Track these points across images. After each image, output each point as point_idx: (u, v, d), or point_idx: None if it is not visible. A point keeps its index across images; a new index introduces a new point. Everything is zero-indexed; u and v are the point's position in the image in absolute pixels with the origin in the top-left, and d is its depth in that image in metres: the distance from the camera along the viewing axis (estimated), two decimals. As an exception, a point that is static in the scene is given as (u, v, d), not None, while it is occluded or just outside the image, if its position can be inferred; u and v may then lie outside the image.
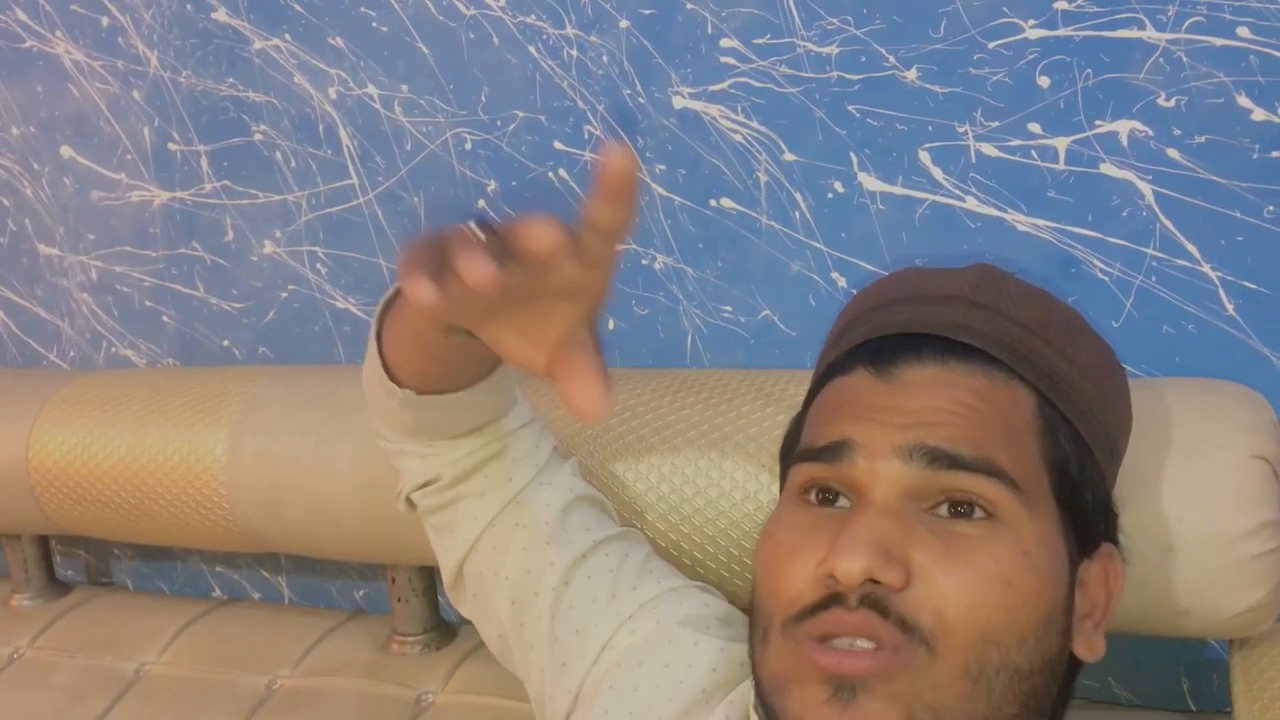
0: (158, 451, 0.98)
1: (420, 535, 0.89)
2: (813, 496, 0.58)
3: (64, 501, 1.04)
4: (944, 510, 0.55)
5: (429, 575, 0.99)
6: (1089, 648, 0.58)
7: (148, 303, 1.19)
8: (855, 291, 0.66)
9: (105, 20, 1.13)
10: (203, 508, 0.96)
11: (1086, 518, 0.58)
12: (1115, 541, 0.61)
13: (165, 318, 1.19)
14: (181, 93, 1.12)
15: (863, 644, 0.52)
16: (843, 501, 0.57)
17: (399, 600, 0.98)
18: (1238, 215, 0.78)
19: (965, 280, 0.60)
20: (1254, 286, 0.78)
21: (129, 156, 1.16)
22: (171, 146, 1.14)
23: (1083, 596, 0.58)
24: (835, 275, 0.89)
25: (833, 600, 0.53)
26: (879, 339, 0.60)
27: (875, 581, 0.52)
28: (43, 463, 1.03)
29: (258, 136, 1.10)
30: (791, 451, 0.62)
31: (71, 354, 1.25)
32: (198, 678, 0.99)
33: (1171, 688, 0.85)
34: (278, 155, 1.09)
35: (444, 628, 1.00)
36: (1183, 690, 0.85)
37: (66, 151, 1.20)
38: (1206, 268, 0.79)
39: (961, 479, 0.54)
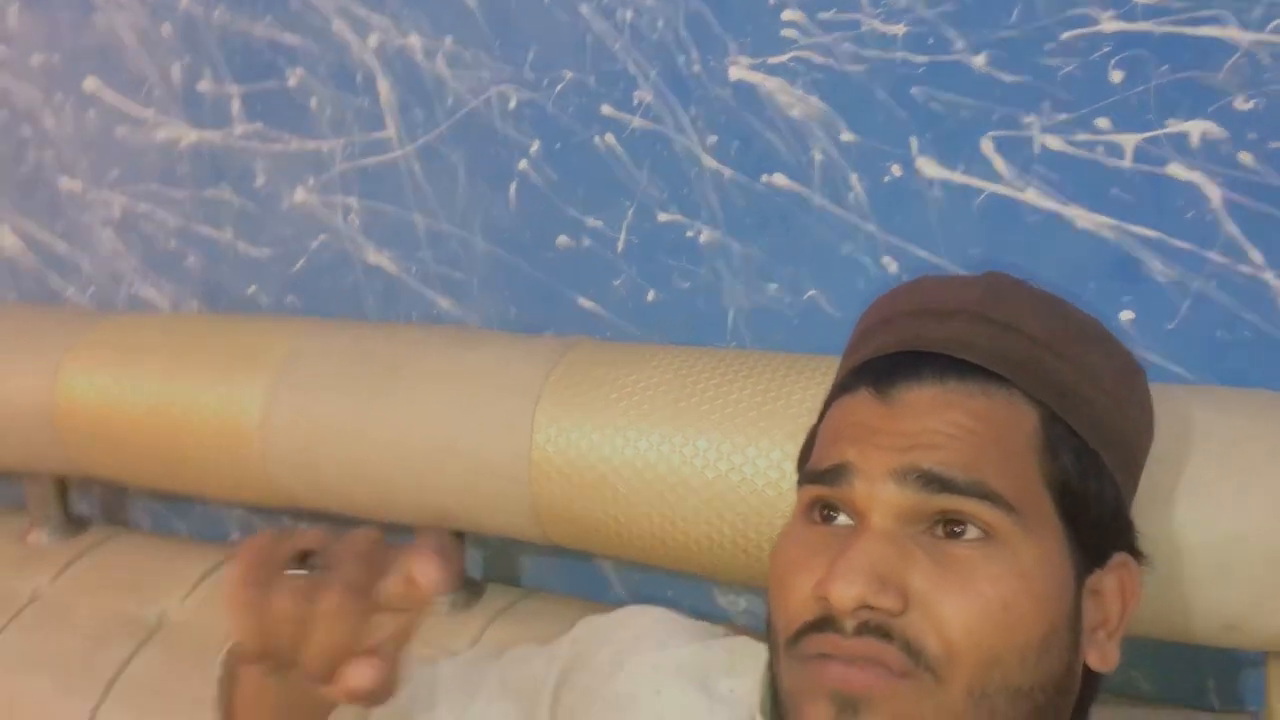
0: (191, 401, 0.96)
1: (459, 500, 0.89)
2: (816, 514, 0.59)
3: (90, 446, 1.03)
4: (940, 531, 0.55)
5: (460, 538, 0.99)
6: (1101, 658, 0.58)
7: (172, 243, 1.17)
8: (878, 296, 0.66)
9: (136, -50, 1.10)
10: (235, 462, 0.95)
11: (1095, 530, 0.58)
12: (1132, 550, 0.61)
13: (190, 259, 1.17)
14: (214, 30, 1.09)
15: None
16: (845, 519, 0.58)
17: (428, 560, 0.98)
18: (1305, 224, 0.77)
19: (973, 292, 0.60)
20: (1314, 296, 0.77)
21: (156, 92, 1.13)
22: (202, 86, 1.11)
23: (1096, 606, 0.58)
24: (886, 260, 0.88)
25: (828, 623, 0.54)
26: (882, 357, 0.60)
27: (871, 608, 0.53)
28: (70, 405, 1.02)
29: (292, 81, 1.07)
30: (804, 464, 0.63)
31: (91, 289, 1.23)
32: (222, 628, 0.99)
33: (1197, 684, 0.86)
34: (313, 101, 1.06)
35: (472, 586, 1.00)
36: (1208, 686, 0.86)
37: (91, 84, 1.16)
38: (1269, 275, 0.78)
39: (955, 502, 0.55)
